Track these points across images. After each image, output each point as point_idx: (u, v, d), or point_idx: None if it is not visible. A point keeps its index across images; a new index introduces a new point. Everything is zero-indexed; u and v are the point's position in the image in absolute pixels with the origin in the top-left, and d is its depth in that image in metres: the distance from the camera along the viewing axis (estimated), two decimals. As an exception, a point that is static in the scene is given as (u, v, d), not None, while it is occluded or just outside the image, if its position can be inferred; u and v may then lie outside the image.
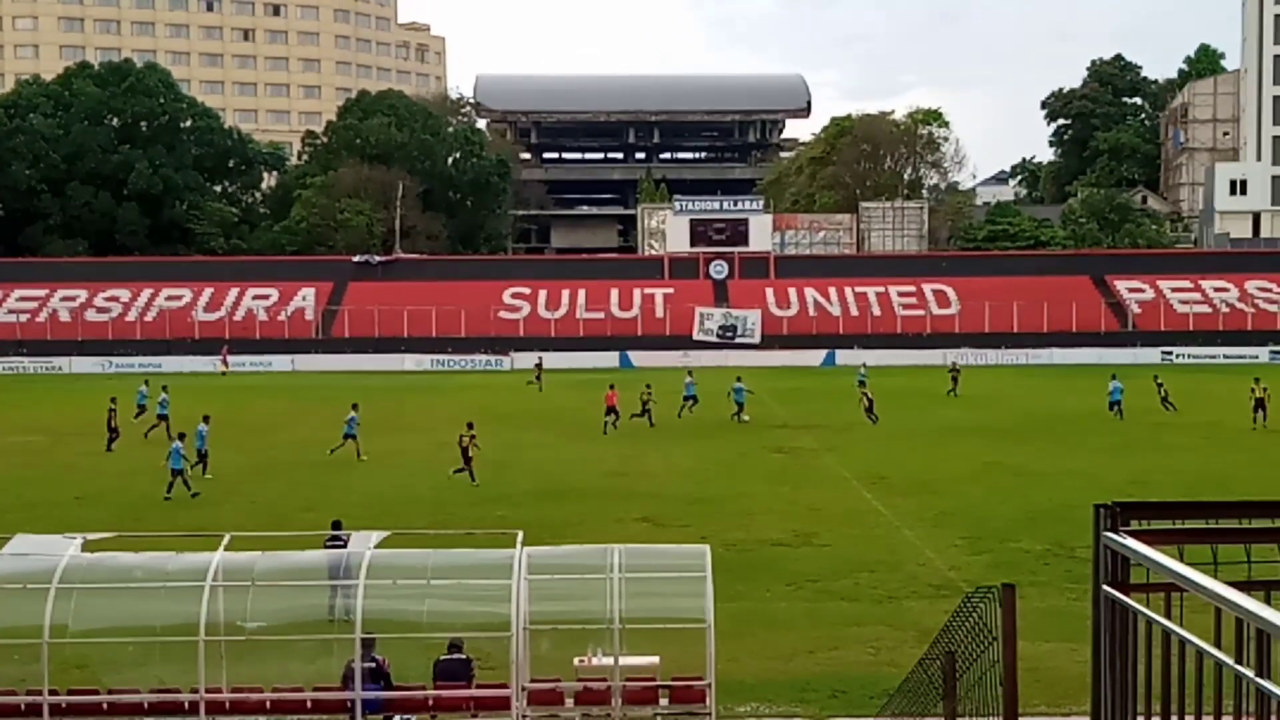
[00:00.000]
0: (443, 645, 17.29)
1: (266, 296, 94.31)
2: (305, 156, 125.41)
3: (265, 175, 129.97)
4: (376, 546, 18.03)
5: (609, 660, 17.03)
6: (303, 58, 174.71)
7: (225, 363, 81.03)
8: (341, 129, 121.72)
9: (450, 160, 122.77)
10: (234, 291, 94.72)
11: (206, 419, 40.52)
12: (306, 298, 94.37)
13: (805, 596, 24.90)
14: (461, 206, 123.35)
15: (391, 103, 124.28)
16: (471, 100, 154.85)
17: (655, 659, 17.48)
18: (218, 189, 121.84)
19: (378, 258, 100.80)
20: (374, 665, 16.70)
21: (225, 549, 17.30)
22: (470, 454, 38.13)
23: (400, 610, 17.44)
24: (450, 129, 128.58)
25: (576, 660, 17.69)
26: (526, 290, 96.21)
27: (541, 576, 17.35)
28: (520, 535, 17.72)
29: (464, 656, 17.22)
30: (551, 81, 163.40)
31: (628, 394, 52.59)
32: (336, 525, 23.56)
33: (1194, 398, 59.39)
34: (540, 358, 75.67)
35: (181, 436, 37.33)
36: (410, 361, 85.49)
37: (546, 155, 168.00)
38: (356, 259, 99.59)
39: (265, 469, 37.88)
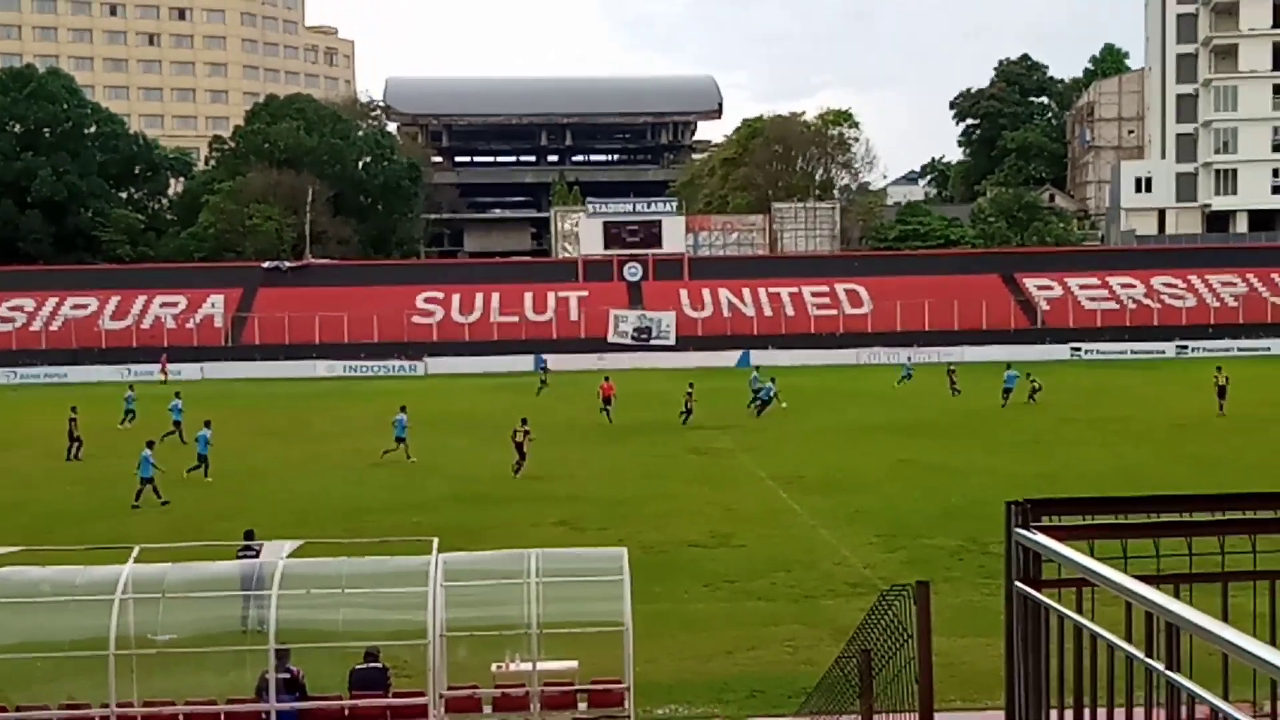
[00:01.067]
0: (359, 654, 17.15)
1: (174, 304, 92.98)
2: (213, 162, 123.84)
3: (172, 181, 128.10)
4: (290, 556, 17.84)
5: (527, 665, 16.97)
6: (209, 62, 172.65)
7: (165, 370, 79.64)
8: (249, 133, 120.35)
9: (360, 164, 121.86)
10: (141, 299, 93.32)
11: (208, 424, 40.97)
12: (215, 305, 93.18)
13: (723, 597, 24.96)
14: (373, 211, 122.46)
15: (300, 106, 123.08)
16: (381, 103, 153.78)
17: (573, 663, 17.44)
18: (123, 196, 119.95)
19: (288, 263, 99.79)
20: (289, 676, 16.51)
21: (135, 561, 17.02)
22: (526, 449, 39.63)
23: (315, 620, 17.27)
24: (360, 133, 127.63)
25: (494, 666, 17.62)
26: (440, 294, 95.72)
27: (458, 583, 17.26)
28: (436, 541, 17.60)
29: (380, 665, 17.09)
30: (463, 84, 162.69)
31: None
32: (249, 535, 23.29)
33: (1103, 393, 60.36)
34: (545, 360, 75.74)
35: (150, 444, 36.91)
36: (322, 368, 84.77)
37: (458, 158, 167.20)
38: (266, 265, 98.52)
39: (176, 479, 37.35)
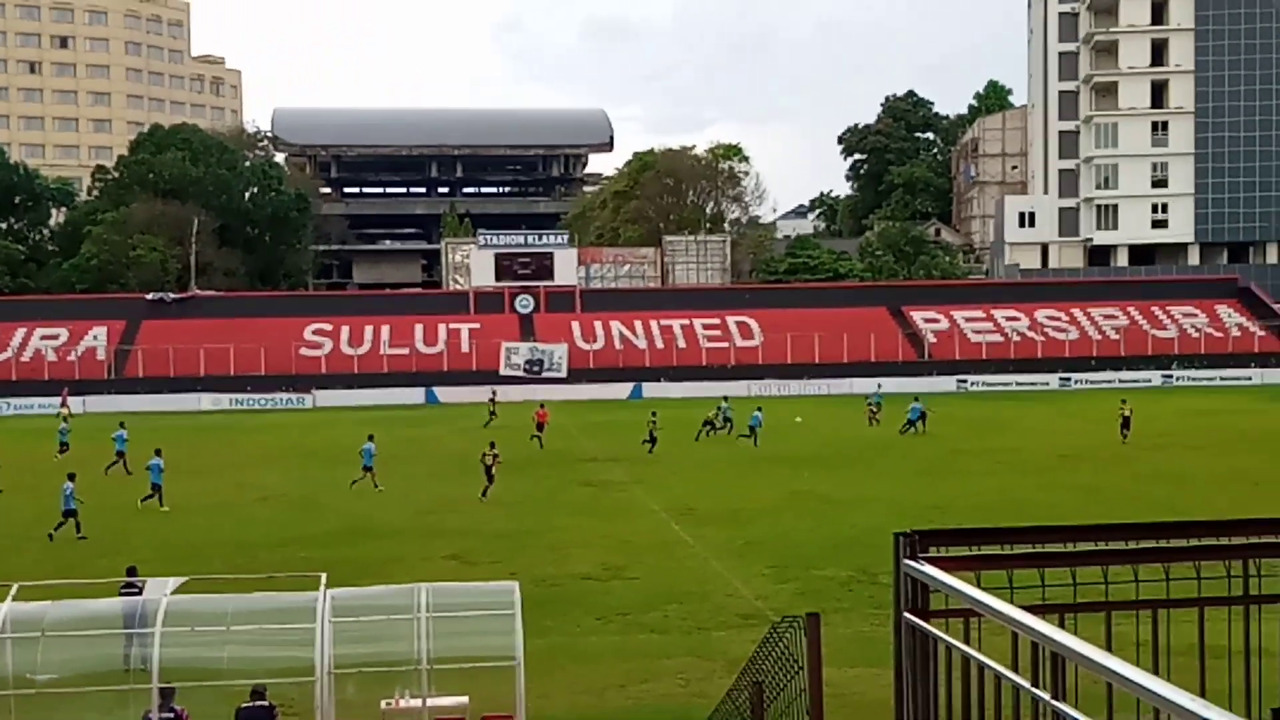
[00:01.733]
0: (245, 692, 16.85)
1: (55, 336, 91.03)
2: (96, 192, 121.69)
3: (54, 211, 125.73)
4: (174, 593, 17.52)
5: (417, 702, 16.80)
6: (92, 91, 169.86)
7: (65, 404, 77.62)
8: (133, 163, 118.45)
9: (247, 195, 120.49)
10: (21, 332, 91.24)
11: (159, 452, 40.87)
12: (98, 337, 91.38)
13: (615, 630, 24.90)
14: (260, 242, 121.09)
15: (185, 136, 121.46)
16: (269, 134, 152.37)
17: (464, 699, 17.29)
18: (3, 226, 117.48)
19: (172, 295, 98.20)
20: (173, 715, 16.20)
21: (14, 599, 16.60)
22: (494, 472, 41.04)
23: (199, 658, 16.96)
24: (247, 163, 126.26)
25: (384, 703, 17.41)
26: (328, 326, 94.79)
27: (346, 619, 17.05)
28: (324, 577, 17.38)
29: (267, 703, 16.81)
30: (351, 115, 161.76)
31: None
32: (131, 571, 22.82)
33: (990, 425, 61.27)
34: (494, 391, 74.50)
35: (72, 477, 36.26)
36: (207, 401, 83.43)
37: (347, 190, 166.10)
38: (150, 297, 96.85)
39: (58, 514, 36.44)
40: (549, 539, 34.00)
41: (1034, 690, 3.71)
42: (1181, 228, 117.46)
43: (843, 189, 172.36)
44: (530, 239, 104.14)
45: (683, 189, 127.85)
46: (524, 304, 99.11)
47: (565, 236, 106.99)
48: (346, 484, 44.33)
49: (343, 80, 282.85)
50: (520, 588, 17.62)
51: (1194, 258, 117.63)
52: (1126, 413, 54.70)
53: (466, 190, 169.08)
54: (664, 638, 24.21)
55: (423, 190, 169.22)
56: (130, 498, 40.32)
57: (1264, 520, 5.04)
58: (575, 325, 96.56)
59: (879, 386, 75.81)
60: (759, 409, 58.39)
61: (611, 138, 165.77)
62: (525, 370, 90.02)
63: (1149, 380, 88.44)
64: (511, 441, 53.37)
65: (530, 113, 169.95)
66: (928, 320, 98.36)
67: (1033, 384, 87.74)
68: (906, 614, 4.58)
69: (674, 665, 22.30)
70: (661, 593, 27.58)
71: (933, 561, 4.51)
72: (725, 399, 63.55)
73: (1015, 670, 3.87)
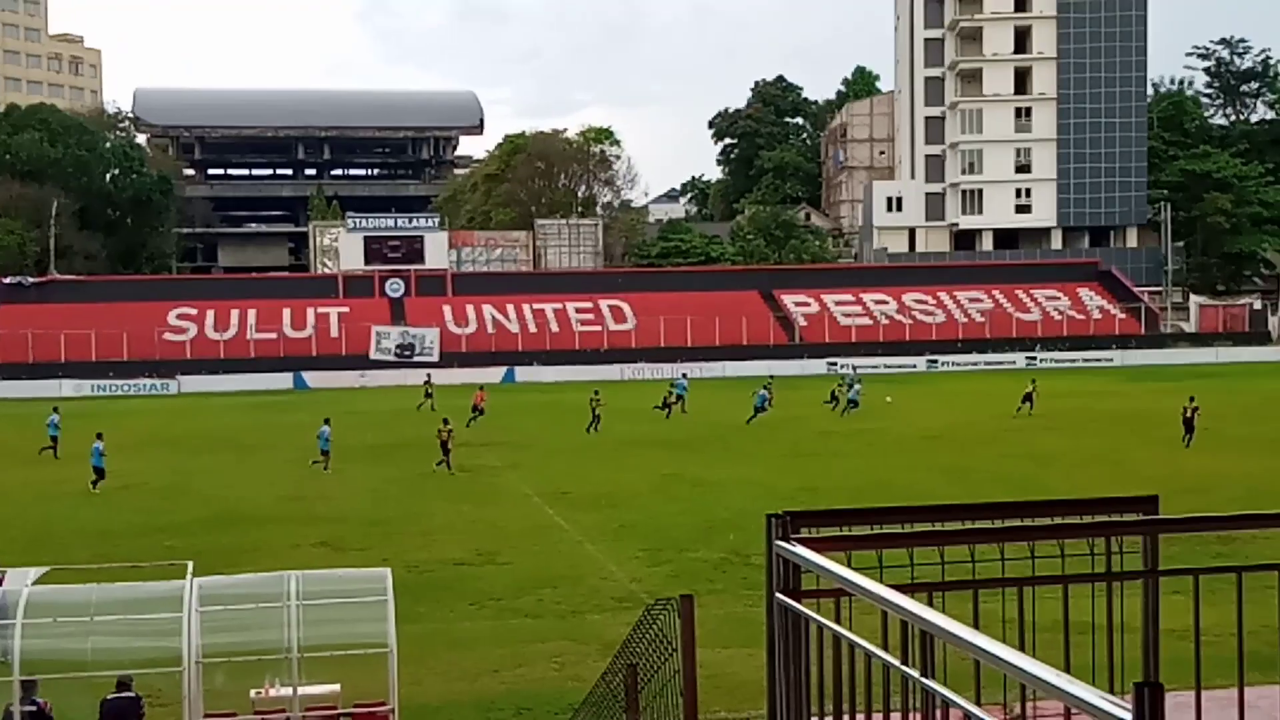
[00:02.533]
0: (110, 684, 16.51)
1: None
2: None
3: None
4: (35, 583, 17.12)
5: (287, 690, 16.60)
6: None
7: None
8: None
9: (108, 177, 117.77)
10: None
11: (100, 436, 41.41)
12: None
13: (489, 615, 24.82)
14: (121, 225, 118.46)
15: (44, 117, 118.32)
16: (130, 115, 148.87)
17: (335, 687, 17.13)
18: None
19: (31, 279, 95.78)
20: (35, 709, 15.83)
21: None
22: (449, 447, 42.53)
23: (62, 649, 16.59)
24: (108, 144, 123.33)
25: (253, 692, 17.19)
26: (193, 311, 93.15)
27: (214, 607, 16.79)
28: (190, 565, 17.11)
29: (133, 694, 16.49)
30: (215, 96, 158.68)
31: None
32: (-10, 563, 22.23)
33: (859, 407, 61.99)
34: (429, 374, 73.17)
35: (100, 436, 38.98)
36: (68, 387, 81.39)
37: (212, 171, 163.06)
38: (8, 281, 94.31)
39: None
40: (421, 525, 33.78)
41: (904, 668, 3.76)
42: (1044, 212, 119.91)
43: (714, 173, 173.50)
44: (400, 222, 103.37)
45: (554, 172, 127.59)
46: (394, 288, 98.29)
47: (436, 219, 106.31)
48: (214, 471, 43.65)
49: (206, 60, 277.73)
50: (392, 574, 17.48)
51: (1057, 242, 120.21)
52: (1029, 389, 57.67)
53: (334, 173, 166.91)
54: (538, 622, 24.19)
55: (289, 172, 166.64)
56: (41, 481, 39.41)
57: (1124, 498, 5.16)
58: (447, 309, 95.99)
59: (854, 369, 78.83)
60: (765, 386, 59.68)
61: (482, 120, 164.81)
62: (396, 354, 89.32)
63: (1013, 362, 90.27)
64: (388, 426, 53.05)
65: (399, 94, 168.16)
66: (798, 304, 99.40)
67: (900, 366, 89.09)
68: (778, 594, 4.61)
69: (548, 649, 22.29)
70: (535, 577, 27.54)
71: (804, 542, 4.54)
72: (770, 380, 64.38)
73: (885, 648, 3.91)
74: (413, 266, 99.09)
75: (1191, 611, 5.01)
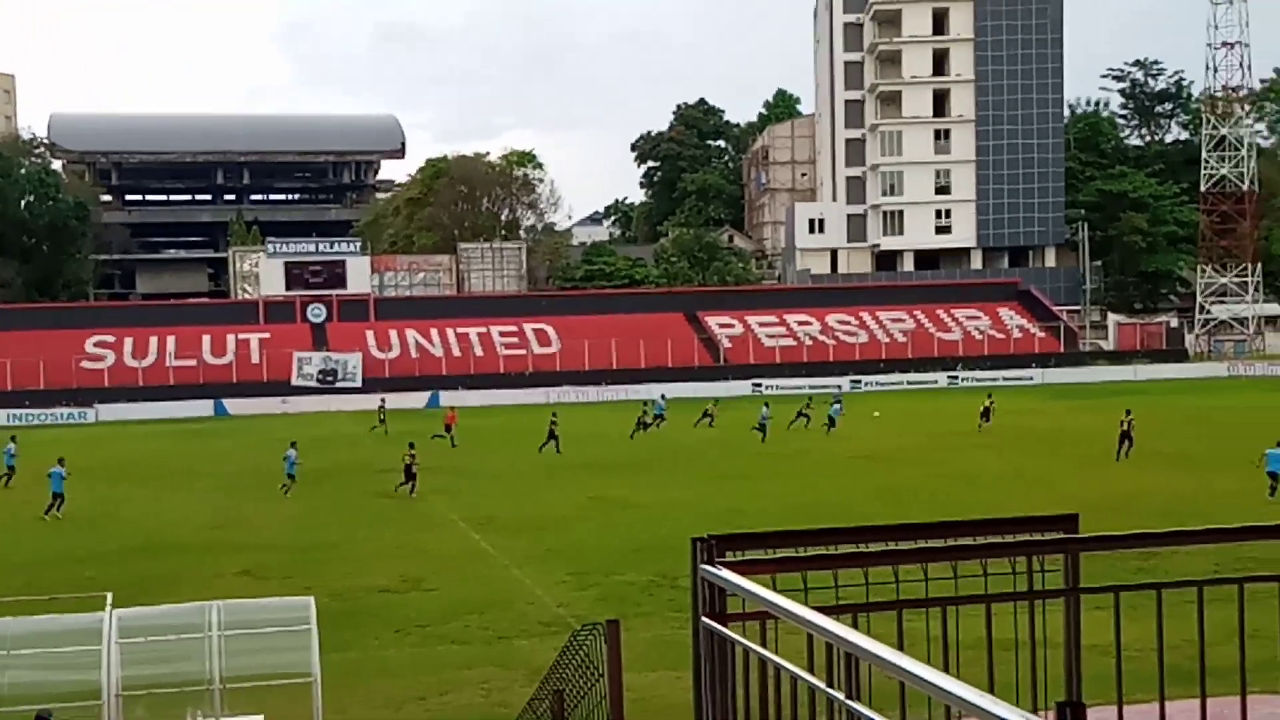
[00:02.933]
0: (28, 718, 16.18)
1: None
2: None
3: None
4: (-53, 619, 16.75)
5: (210, 722, 16.35)
6: None
7: None
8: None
9: (23, 203, 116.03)
10: None
11: (61, 461, 41.35)
12: None
13: (414, 642, 24.61)
14: (37, 252, 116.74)
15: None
16: (45, 140, 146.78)
17: (259, 718, 16.91)
18: None
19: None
20: (-52, 748, 15.48)
21: None
22: (414, 470, 42.94)
23: (-22, 685, 16.25)
24: (23, 170, 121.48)
25: (175, 725, 16.92)
26: (111, 338, 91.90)
27: (134, 639, 16.54)
28: (110, 596, 16.83)
29: (51, 730, 16.17)
30: (133, 121, 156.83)
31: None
32: (-98, 598, 21.77)
33: (782, 428, 62.21)
34: (383, 399, 72.63)
35: (61, 461, 39.27)
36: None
37: (129, 197, 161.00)
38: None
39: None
40: (344, 552, 33.47)
41: (829, 690, 3.75)
42: (964, 233, 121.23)
43: (637, 196, 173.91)
44: (321, 247, 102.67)
45: (477, 196, 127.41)
46: (316, 313, 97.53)
47: (358, 244, 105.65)
48: (132, 500, 43.04)
49: (123, 85, 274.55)
50: (316, 602, 17.31)
51: (977, 262, 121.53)
52: (987, 404, 59.35)
53: (254, 198, 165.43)
54: (465, 648, 24.01)
55: (208, 198, 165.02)
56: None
57: (1046, 517, 5.19)
58: (369, 334, 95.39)
59: (839, 388, 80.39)
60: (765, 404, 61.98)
61: (403, 144, 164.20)
62: (319, 380, 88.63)
63: (935, 381, 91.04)
64: (312, 452, 52.47)
65: (319, 118, 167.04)
66: (722, 325, 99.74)
67: (824, 386, 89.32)
68: (704, 618, 4.59)
69: (475, 676, 22.13)
70: (462, 603, 27.36)
71: (729, 566, 4.53)
72: (664, 396, 65.92)
73: (811, 671, 3.91)
74: (334, 291, 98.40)
75: (1113, 627, 5.07)
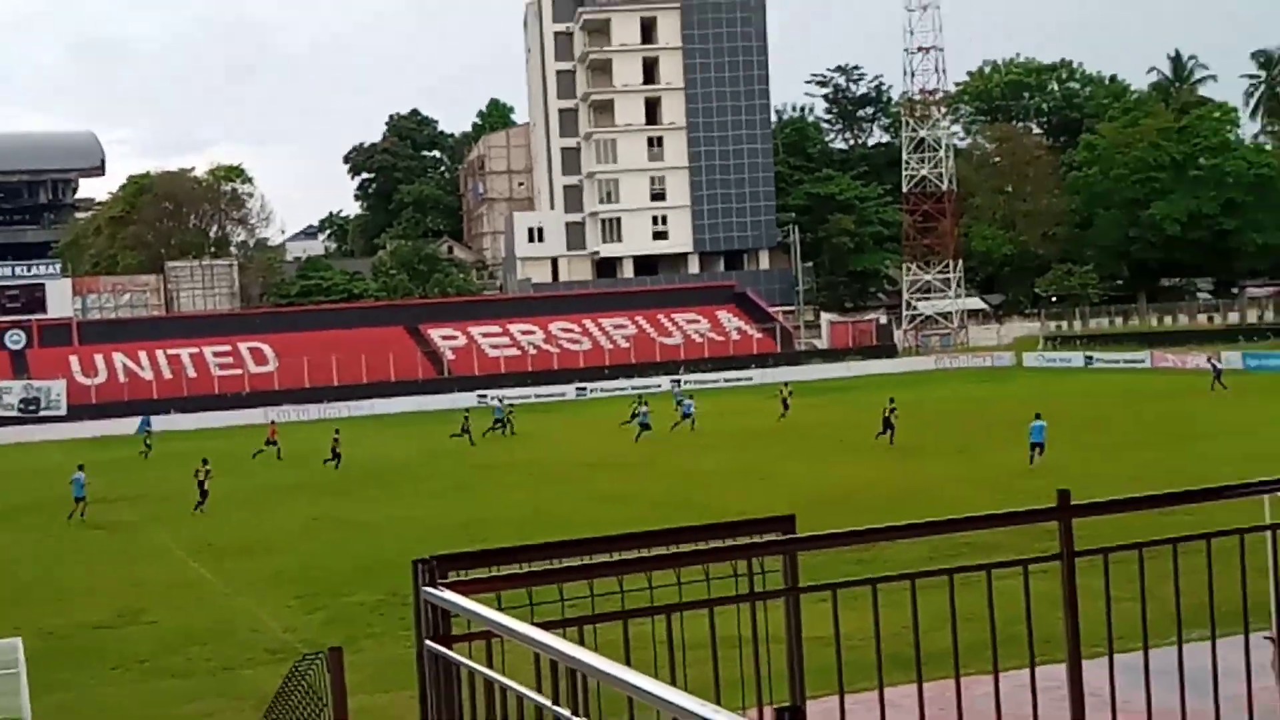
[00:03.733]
0: None
1: None
2: None
3: None
4: None
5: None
6: None
7: None
8: None
9: None
10: None
11: (81, 467, 43.69)
12: None
13: (135, 678, 23.67)
14: None
15: None
16: None
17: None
18: None
19: None
20: None
21: None
22: (206, 487, 43.32)
23: None
24: None
25: None
26: None
27: None
28: None
29: None
30: None
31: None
32: None
33: (514, 438, 62.36)
34: (274, 420, 70.80)
35: (81, 467, 42.44)
36: None
37: None
38: None
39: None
40: (54, 588, 31.95)
41: (555, 708, 3.71)
42: (681, 238, 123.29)
43: (352, 208, 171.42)
44: (18, 270, 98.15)
45: (184, 212, 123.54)
46: (14, 339, 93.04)
47: (57, 266, 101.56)
48: None
49: None
50: (24, 643, 16.45)
51: (694, 266, 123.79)
52: (887, 412, 52.92)
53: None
54: (187, 681, 23.19)
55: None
56: None
57: (764, 519, 5.28)
58: (73, 359, 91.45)
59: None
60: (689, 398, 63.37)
61: (103, 161, 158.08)
62: (20, 410, 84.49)
63: (659, 385, 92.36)
64: (13, 486, 50.14)
65: (10, 136, 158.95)
66: (445, 337, 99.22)
67: (550, 395, 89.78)
68: (428, 641, 4.50)
69: (199, 709, 21.41)
70: (183, 634, 26.43)
71: (452, 586, 4.45)
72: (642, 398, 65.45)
73: (539, 689, 3.86)
74: (34, 316, 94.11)
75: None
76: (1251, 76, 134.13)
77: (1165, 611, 5.66)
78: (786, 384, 67.41)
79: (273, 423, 66.75)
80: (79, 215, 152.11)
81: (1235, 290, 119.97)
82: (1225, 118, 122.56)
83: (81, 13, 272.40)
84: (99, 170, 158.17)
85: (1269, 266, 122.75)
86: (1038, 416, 43.19)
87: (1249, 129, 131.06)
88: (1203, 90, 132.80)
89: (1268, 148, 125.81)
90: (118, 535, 40.45)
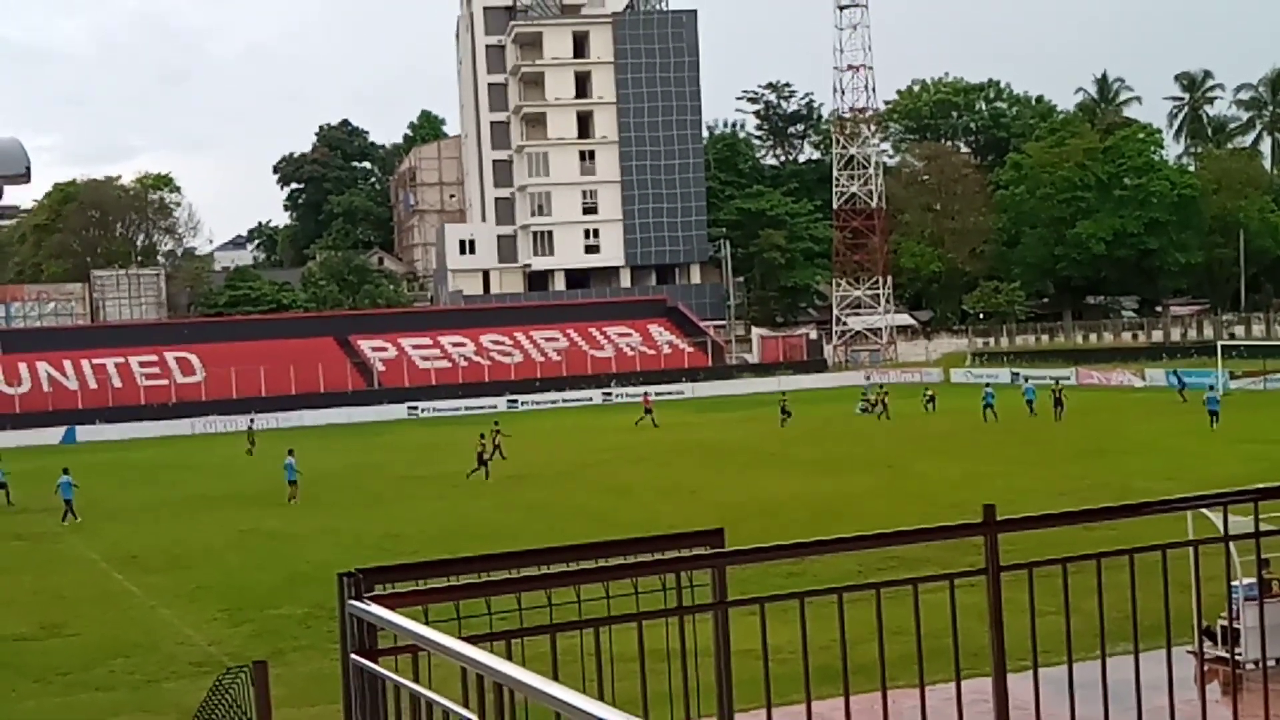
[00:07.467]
0: None
1: None
2: None
3: None
4: None
5: None
6: None
7: None
8: None
9: None
10: None
11: (67, 470, 44.22)
12: None
13: (56, 691, 23.30)
14: None
15: None
16: None
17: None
18: None
19: None
20: None
21: None
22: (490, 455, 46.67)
23: None
24: None
25: None
26: None
27: None
28: None
29: None
30: None
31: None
32: None
33: (441, 449, 62.12)
34: (253, 418, 71.09)
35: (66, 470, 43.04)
36: None
37: None
38: None
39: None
40: (-28, 601, 31.42)
41: (482, 723, 3.69)
42: (613, 252, 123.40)
43: (281, 219, 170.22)
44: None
45: (110, 221, 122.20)
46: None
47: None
48: None
49: None
50: (-60, 659, 16.16)
51: (626, 280, 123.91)
52: (880, 396, 57.91)
53: None
54: (110, 695, 22.88)
55: None
56: None
57: (693, 533, 5.27)
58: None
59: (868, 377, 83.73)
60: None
61: (28, 168, 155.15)
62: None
63: (590, 399, 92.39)
64: None
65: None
66: (375, 349, 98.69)
67: (481, 407, 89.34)
68: (354, 655, 4.46)
69: (122, 723, 21.13)
70: (106, 647, 26.05)
71: (378, 600, 4.42)
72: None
73: (466, 703, 3.84)
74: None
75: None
76: (1175, 99, 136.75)
77: (1089, 625, 5.72)
78: (784, 393, 67.98)
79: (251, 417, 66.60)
80: (3, 223, 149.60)
81: (1159, 309, 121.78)
82: (1150, 139, 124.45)
83: (6, 15, 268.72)
84: (24, 177, 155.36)
85: (1191, 285, 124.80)
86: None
87: (1173, 150, 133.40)
88: (1128, 111, 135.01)
89: (1190, 169, 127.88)
90: (39, 547, 39.84)
